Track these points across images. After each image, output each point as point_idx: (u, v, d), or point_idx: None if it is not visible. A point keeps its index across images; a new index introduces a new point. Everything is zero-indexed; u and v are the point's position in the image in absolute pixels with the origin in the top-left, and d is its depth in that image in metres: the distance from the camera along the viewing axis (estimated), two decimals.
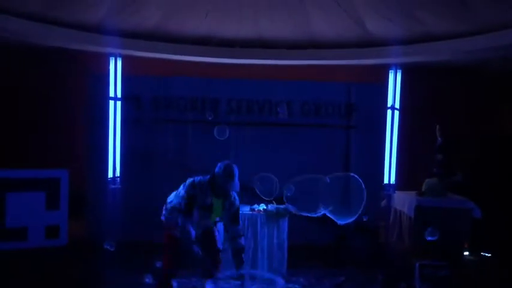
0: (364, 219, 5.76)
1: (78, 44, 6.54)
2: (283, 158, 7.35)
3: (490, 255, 6.81)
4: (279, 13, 6.03)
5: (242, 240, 4.77)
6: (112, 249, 5.52)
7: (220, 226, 4.94)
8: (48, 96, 7.52)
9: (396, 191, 7.16)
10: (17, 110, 7.49)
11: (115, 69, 7.06)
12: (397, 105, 7.32)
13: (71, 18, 6.06)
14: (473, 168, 7.09)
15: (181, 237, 4.48)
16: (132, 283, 5.54)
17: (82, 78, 7.18)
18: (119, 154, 7.02)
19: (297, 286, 5.88)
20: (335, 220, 5.01)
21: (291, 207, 6.15)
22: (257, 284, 4.70)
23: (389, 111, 7.32)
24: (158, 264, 4.71)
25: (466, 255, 6.55)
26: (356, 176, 5.19)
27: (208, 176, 4.62)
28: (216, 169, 4.59)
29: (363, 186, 5.10)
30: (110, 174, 6.98)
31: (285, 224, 6.13)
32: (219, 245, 4.91)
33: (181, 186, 4.70)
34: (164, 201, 4.94)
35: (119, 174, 7.00)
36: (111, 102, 7.03)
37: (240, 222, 4.83)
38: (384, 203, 7.17)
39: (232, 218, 4.70)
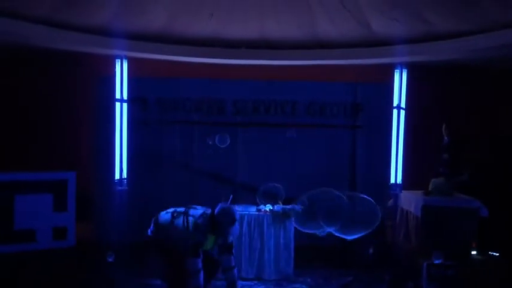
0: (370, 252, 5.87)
1: (84, 47, 6.57)
2: (289, 158, 7.37)
3: (497, 254, 6.77)
4: (284, 14, 6.04)
5: (235, 272, 4.90)
6: (112, 261, 5.60)
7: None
8: (55, 99, 7.56)
9: (403, 191, 7.14)
10: (24, 112, 7.54)
11: (121, 71, 7.09)
12: (403, 105, 7.30)
13: (77, 21, 6.09)
14: (479, 167, 7.06)
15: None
16: (140, 284, 5.57)
17: (88, 81, 7.21)
18: (125, 156, 7.04)
19: (304, 286, 5.88)
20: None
21: (297, 208, 6.17)
22: None
23: (395, 111, 7.30)
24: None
25: (473, 254, 6.51)
26: (370, 199, 5.19)
27: (207, 216, 4.71)
28: (216, 212, 4.68)
29: (378, 211, 5.12)
30: (117, 176, 6.99)
31: (291, 224, 6.13)
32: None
33: (180, 219, 4.74)
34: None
35: (125, 176, 7.03)
36: (118, 104, 7.05)
37: (233, 252, 4.95)
38: (390, 202, 7.16)
39: (225, 249, 4.85)
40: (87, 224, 7.02)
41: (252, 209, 6.30)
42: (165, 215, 4.84)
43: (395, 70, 7.32)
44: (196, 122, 7.41)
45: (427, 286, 5.54)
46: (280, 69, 7.45)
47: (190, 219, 4.68)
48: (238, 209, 6.27)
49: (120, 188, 6.90)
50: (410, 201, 6.73)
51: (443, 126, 6.84)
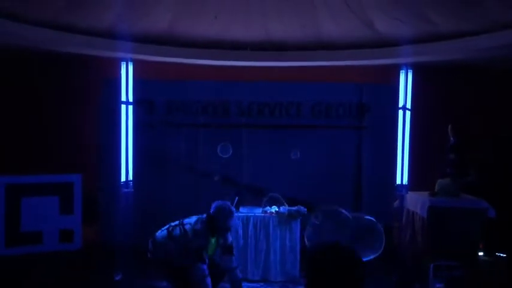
0: None
1: (90, 49, 6.61)
2: (294, 159, 7.36)
3: (504, 255, 6.74)
4: (288, 15, 6.05)
5: (238, 272, 4.92)
6: (120, 279, 5.63)
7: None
8: (61, 102, 7.59)
9: (409, 192, 7.11)
10: (30, 115, 7.58)
11: (126, 74, 7.11)
12: (408, 105, 7.28)
13: (83, 24, 6.13)
14: (486, 167, 7.03)
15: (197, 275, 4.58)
16: (145, 287, 5.58)
17: (94, 83, 7.23)
18: (131, 158, 7.06)
19: None
20: None
21: (303, 209, 6.17)
22: None
23: (400, 112, 7.28)
24: None
25: (480, 255, 6.49)
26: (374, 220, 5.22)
27: (204, 219, 4.71)
28: (212, 210, 4.71)
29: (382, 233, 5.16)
30: (123, 178, 7.02)
31: (297, 226, 6.13)
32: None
33: (177, 229, 4.73)
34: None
35: (131, 178, 7.05)
36: (123, 107, 7.07)
37: (234, 253, 4.95)
38: (396, 203, 7.13)
39: (225, 249, 4.85)
40: (93, 227, 7.04)
41: (258, 211, 6.29)
42: (161, 233, 4.82)
43: (401, 71, 7.31)
44: (202, 124, 7.41)
45: (433, 287, 5.51)
46: (285, 70, 7.45)
47: (187, 227, 4.68)
48: (244, 211, 6.28)
49: (126, 190, 6.92)
50: (416, 202, 6.70)
51: (449, 127, 6.81)
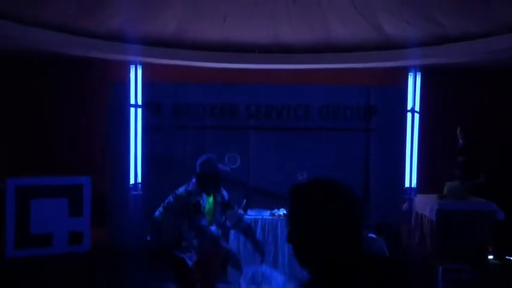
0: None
1: (99, 53, 6.65)
2: (302, 162, 7.35)
3: None
4: (296, 18, 6.06)
5: (245, 220, 4.89)
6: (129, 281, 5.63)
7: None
8: (70, 104, 7.64)
9: (417, 195, 7.09)
10: (40, 118, 7.63)
11: (135, 77, 7.15)
12: (417, 108, 7.26)
13: (92, 28, 6.18)
14: (495, 170, 6.99)
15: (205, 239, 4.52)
16: None
17: (103, 86, 7.27)
18: (140, 161, 7.09)
19: None
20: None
21: None
22: None
23: (409, 114, 7.26)
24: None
25: (490, 258, 6.45)
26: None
27: (193, 180, 4.65)
28: (199, 169, 4.63)
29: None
30: (132, 181, 7.05)
31: None
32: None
33: (170, 197, 4.70)
34: None
35: (140, 181, 7.07)
36: (132, 110, 7.11)
37: (234, 205, 4.89)
38: (405, 206, 7.12)
39: (226, 206, 4.78)
40: (102, 229, 7.07)
41: (266, 213, 6.30)
42: (156, 212, 4.81)
43: (409, 73, 7.29)
44: (209, 127, 7.42)
45: None
46: (293, 73, 7.46)
47: (180, 190, 4.63)
48: (252, 214, 6.29)
49: (134, 192, 6.94)
50: (425, 205, 6.68)
51: (458, 129, 6.78)
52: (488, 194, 6.45)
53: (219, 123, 7.41)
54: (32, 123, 7.61)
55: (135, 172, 7.05)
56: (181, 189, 4.67)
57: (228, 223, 4.87)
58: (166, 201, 4.74)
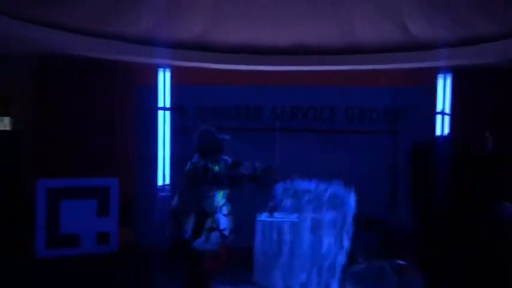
0: None
1: (128, 56, 6.74)
2: (328, 164, 7.28)
3: None
4: (321, 19, 6.02)
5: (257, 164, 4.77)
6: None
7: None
8: (99, 107, 7.76)
9: None
10: (69, 121, 7.77)
11: (163, 80, 7.21)
12: (447, 110, 7.12)
13: (119, 31, 6.26)
14: None
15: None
16: None
17: (131, 89, 7.35)
18: (168, 162, 7.14)
19: None
20: None
21: None
22: None
23: (438, 116, 7.13)
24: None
25: None
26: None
27: (196, 156, 4.60)
28: (197, 142, 4.61)
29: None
30: (159, 182, 7.11)
31: None
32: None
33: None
34: None
35: (168, 182, 7.12)
36: (160, 112, 7.17)
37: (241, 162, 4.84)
38: None
39: (234, 166, 4.76)
40: (130, 230, 7.14)
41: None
42: (173, 202, 4.79)
43: (439, 74, 7.15)
44: (235, 128, 7.42)
45: None
46: (319, 74, 7.41)
47: (186, 167, 4.56)
48: (279, 217, 6.24)
49: (162, 194, 6.99)
50: None
51: (487, 133, 6.62)
52: None
53: (244, 125, 7.41)
54: (61, 126, 7.74)
55: (164, 174, 7.10)
56: (186, 167, 4.61)
57: (242, 170, 4.74)
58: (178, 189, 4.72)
